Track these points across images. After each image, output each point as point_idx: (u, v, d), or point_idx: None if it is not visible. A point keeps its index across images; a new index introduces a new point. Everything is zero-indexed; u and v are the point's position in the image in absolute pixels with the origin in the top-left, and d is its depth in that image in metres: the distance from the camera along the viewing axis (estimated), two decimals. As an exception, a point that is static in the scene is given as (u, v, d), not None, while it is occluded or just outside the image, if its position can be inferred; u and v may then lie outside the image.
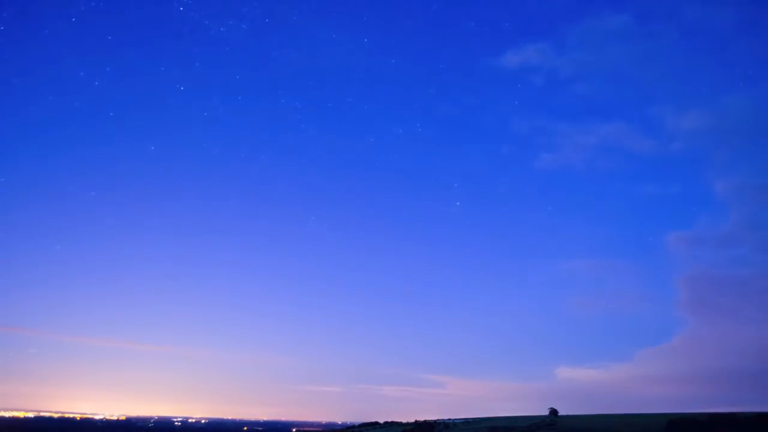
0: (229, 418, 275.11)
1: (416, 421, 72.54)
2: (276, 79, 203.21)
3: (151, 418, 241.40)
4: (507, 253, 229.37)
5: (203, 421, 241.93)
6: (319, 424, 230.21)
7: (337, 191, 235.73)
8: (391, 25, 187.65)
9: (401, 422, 76.56)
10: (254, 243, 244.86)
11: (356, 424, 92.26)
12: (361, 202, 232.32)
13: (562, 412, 58.27)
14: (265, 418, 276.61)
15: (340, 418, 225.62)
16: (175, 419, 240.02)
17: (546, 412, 58.71)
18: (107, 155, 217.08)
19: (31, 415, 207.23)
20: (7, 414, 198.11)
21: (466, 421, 65.35)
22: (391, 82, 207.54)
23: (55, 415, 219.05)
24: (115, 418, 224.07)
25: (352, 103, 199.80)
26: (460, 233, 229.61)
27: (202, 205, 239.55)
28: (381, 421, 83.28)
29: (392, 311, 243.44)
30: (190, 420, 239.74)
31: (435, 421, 68.51)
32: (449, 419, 70.94)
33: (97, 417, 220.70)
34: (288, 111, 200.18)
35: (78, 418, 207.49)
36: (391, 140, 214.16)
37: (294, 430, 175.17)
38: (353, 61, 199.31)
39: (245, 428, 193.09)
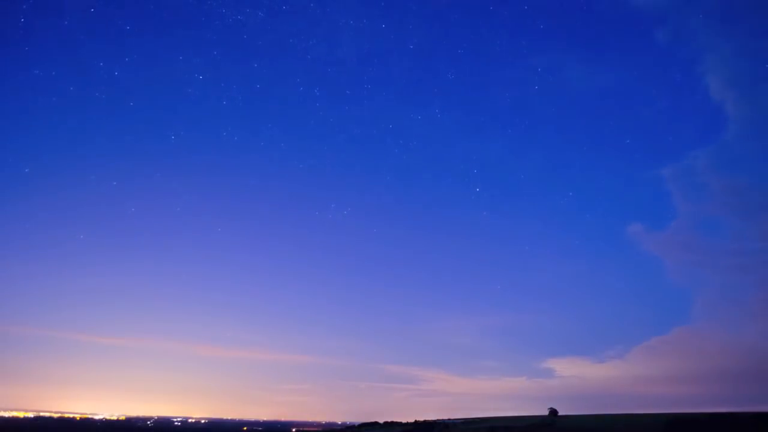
0: (229, 418, 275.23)
1: (416, 421, 72.58)
2: (294, 66, 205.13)
3: (151, 418, 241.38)
4: (526, 241, 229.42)
5: (203, 421, 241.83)
6: (318, 424, 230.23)
7: (356, 178, 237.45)
8: (408, 10, 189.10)
9: (401, 422, 76.52)
10: (273, 233, 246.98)
11: (356, 424, 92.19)
12: (379, 189, 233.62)
13: (561, 412, 58.30)
14: (265, 418, 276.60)
15: (339, 418, 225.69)
16: (174, 419, 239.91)
17: (546, 412, 58.73)
18: (128, 144, 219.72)
19: (30, 415, 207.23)
20: (7, 414, 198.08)
21: (466, 421, 65.28)
22: (410, 67, 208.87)
23: (55, 415, 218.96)
24: (114, 418, 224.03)
25: (370, 89, 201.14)
26: (479, 221, 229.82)
27: (223, 194, 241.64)
28: (381, 421, 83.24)
29: (405, 307, 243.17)
30: (189, 420, 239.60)
31: (435, 421, 68.56)
32: (449, 419, 70.94)
33: (96, 417, 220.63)
34: (306, 98, 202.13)
35: (78, 418, 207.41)
36: (409, 126, 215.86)
37: (294, 430, 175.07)
38: (371, 47, 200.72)
39: (245, 428, 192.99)
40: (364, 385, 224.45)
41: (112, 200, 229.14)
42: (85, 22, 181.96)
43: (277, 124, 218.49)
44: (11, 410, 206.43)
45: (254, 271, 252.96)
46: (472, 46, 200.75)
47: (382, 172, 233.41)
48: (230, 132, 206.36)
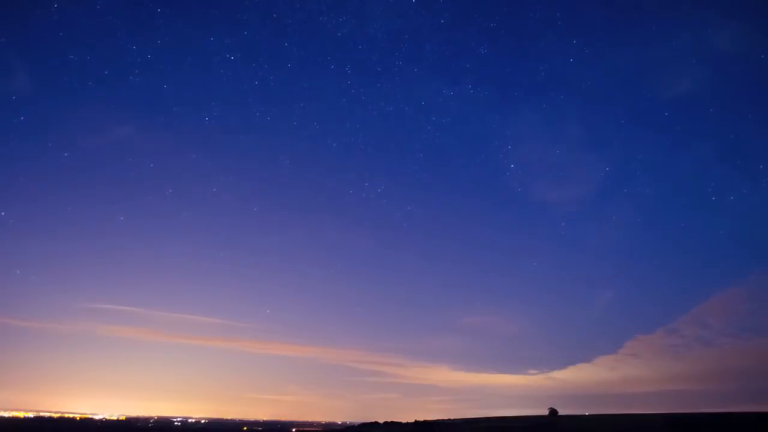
0: (229, 418, 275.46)
1: (416, 421, 72.73)
2: (324, 44, 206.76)
3: (151, 418, 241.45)
4: (563, 218, 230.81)
5: (203, 421, 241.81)
6: (319, 424, 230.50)
7: (389, 155, 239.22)
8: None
9: (401, 422, 76.68)
10: (307, 215, 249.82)
11: (356, 424, 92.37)
12: (413, 166, 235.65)
13: (561, 412, 58.51)
14: (265, 418, 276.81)
15: (340, 418, 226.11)
16: (174, 419, 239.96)
17: (546, 412, 58.94)
18: (164, 126, 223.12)
19: (31, 415, 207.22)
20: (7, 414, 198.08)
21: (466, 421, 65.46)
22: (441, 42, 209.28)
23: (55, 415, 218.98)
24: (114, 418, 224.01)
25: (401, 66, 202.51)
26: (513, 197, 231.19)
27: (258, 174, 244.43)
28: (381, 421, 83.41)
29: (428, 299, 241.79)
30: (189, 420, 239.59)
31: (435, 421, 68.75)
32: (449, 419, 71.15)
33: (96, 417, 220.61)
34: (338, 76, 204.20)
35: (78, 418, 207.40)
36: (441, 102, 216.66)
37: (294, 430, 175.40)
38: (401, 23, 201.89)
39: (245, 428, 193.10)
40: (365, 384, 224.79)
41: (150, 182, 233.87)
42: (117, 6, 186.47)
43: (309, 102, 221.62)
44: (11, 410, 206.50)
45: (282, 256, 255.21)
46: (505, 19, 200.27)
47: (414, 149, 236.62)
48: (263, 112, 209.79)
